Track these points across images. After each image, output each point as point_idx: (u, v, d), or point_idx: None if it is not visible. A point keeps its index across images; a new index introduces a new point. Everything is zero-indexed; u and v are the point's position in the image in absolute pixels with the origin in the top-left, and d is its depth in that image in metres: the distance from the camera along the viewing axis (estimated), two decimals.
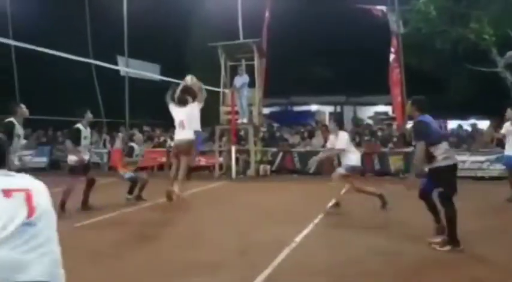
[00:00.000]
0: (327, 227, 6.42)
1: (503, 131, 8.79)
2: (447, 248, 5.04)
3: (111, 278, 4.39)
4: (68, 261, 4.63)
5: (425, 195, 5.31)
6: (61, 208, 7.11)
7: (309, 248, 5.38)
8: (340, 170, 7.55)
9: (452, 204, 5.00)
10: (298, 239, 5.68)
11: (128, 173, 8.73)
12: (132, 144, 9.09)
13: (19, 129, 6.77)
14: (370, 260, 4.86)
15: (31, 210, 1.85)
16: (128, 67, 16.86)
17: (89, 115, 7.92)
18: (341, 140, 7.41)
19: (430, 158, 5.03)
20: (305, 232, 6.07)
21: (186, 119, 8.06)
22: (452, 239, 5.02)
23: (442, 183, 5.03)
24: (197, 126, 8.46)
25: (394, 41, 14.51)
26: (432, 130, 5.10)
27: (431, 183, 5.17)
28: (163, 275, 4.45)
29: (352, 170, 7.50)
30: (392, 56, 14.49)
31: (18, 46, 9.89)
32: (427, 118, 5.18)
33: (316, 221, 6.80)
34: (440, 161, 5.01)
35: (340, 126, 7.92)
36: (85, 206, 7.86)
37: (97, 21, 18.01)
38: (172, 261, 4.86)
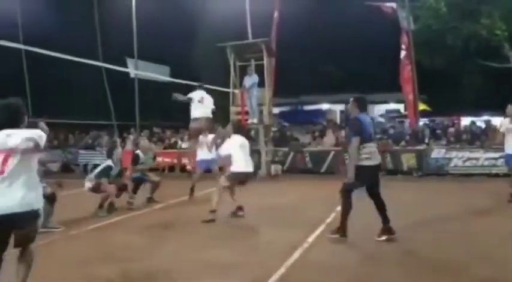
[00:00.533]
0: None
1: (502, 129, 8.26)
2: (335, 235, 5.49)
3: (125, 279, 4.36)
4: (82, 263, 4.59)
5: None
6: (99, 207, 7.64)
7: (322, 248, 5.32)
8: None
9: (348, 198, 5.45)
10: (311, 239, 5.63)
11: (135, 174, 8.68)
12: (137, 151, 8.93)
13: None
14: (385, 259, 4.78)
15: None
16: (138, 69, 16.91)
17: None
18: None
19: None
20: (318, 232, 6.01)
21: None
22: (342, 228, 5.48)
23: (357, 179, 5.39)
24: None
25: (404, 38, 14.35)
26: (365, 129, 5.44)
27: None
28: (176, 276, 4.41)
29: None
30: (403, 53, 14.33)
31: (29, 50, 9.92)
32: (364, 117, 5.53)
33: (328, 220, 6.72)
34: (363, 160, 5.38)
35: None
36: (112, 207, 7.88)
37: (106, 24, 18.06)
38: (185, 262, 4.83)
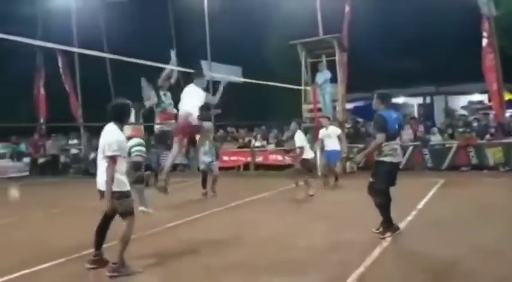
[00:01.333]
0: (423, 225, 6.11)
1: None
2: (388, 234, 5.42)
3: (207, 275, 4.53)
4: (166, 259, 4.81)
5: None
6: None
7: (402, 247, 5.17)
8: None
9: (380, 195, 5.45)
10: (390, 237, 5.48)
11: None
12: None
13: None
14: (473, 260, 4.54)
15: None
16: (211, 71, 17.35)
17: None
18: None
19: (379, 151, 5.45)
20: (398, 230, 5.83)
21: None
22: (388, 225, 5.49)
23: (376, 175, 5.50)
24: None
25: (485, 25, 13.47)
26: (389, 126, 5.40)
27: (372, 172, 5.62)
28: (256, 271, 4.50)
29: None
30: (485, 41, 13.45)
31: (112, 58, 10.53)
32: (388, 114, 5.49)
33: (409, 218, 6.52)
34: (385, 156, 5.41)
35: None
36: None
37: (180, 27, 18.77)
38: (263, 259, 4.90)
